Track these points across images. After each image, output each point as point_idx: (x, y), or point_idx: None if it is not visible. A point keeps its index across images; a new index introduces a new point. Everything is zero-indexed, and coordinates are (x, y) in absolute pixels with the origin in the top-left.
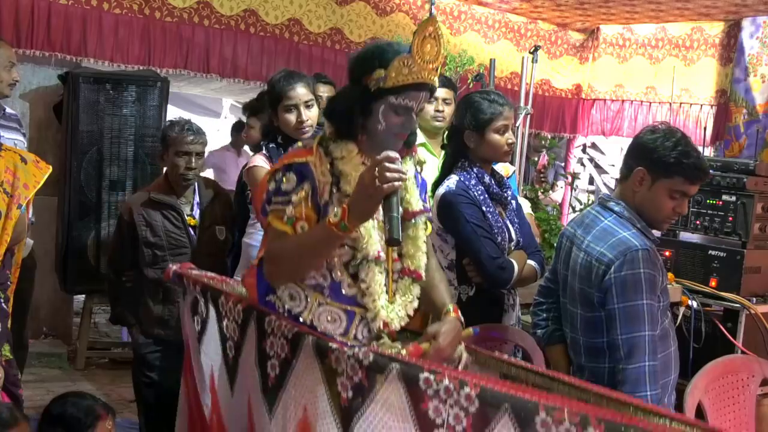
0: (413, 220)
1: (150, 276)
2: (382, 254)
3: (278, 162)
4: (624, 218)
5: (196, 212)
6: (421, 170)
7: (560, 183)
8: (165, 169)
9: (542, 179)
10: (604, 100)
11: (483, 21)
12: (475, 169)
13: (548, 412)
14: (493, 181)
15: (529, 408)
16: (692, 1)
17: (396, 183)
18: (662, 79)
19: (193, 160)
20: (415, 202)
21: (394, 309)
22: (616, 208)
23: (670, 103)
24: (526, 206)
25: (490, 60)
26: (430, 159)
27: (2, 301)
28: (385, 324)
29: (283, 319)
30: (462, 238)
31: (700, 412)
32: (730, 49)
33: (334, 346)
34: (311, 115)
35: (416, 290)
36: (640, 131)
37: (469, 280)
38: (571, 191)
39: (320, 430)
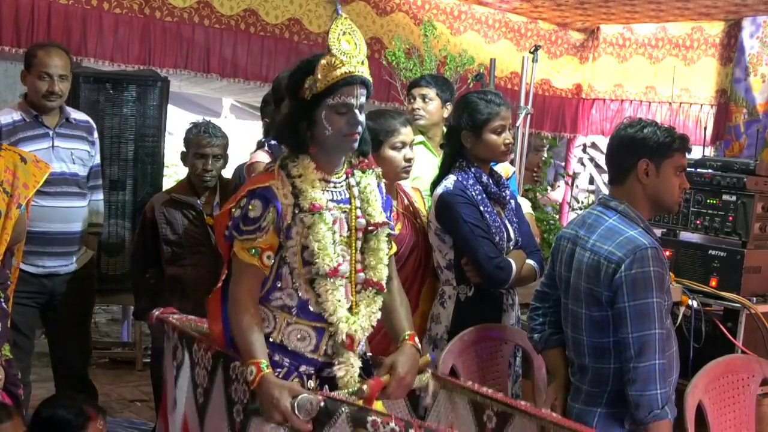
0: (375, 232)
1: (169, 273)
2: (343, 266)
3: (242, 188)
4: (628, 217)
5: (217, 212)
6: (382, 181)
7: (560, 183)
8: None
9: (536, 179)
10: (604, 99)
11: (483, 21)
12: (473, 169)
13: None
14: (491, 181)
15: None
16: (692, 0)
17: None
18: (662, 79)
19: (210, 162)
20: (377, 215)
21: (357, 321)
22: (620, 208)
23: (670, 103)
24: (527, 206)
25: (490, 60)
26: (429, 158)
27: (2, 300)
28: (349, 336)
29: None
30: (460, 238)
31: (700, 412)
32: (731, 49)
33: None
34: None
35: (380, 301)
36: (615, 134)
37: (468, 280)
38: (571, 191)
39: None
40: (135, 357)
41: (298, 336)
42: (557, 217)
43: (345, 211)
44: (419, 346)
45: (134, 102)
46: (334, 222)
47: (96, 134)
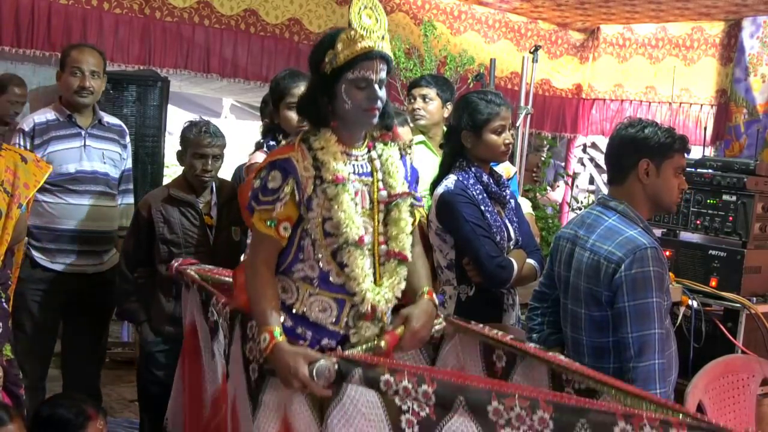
0: (396, 202)
1: (164, 273)
2: (366, 238)
3: (263, 161)
4: (628, 217)
5: (214, 212)
6: (407, 154)
7: (560, 183)
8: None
9: (535, 179)
10: (604, 99)
11: (483, 21)
12: (473, 169)
13: (499, 400)
14: (491, 181)
15: (483, 397)
16: (692, 0)
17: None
18: (662, 79)
19: (210, 163)
20: (398, 185)
21: (380, 291)
22: (619, 208)
23: (670, 103)
24: (527, 206)
25: (491, 60)
26: (430, 158)
27: (3, 300)
28: (373, 307)
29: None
30: (461, 238)
31: (700, 412)
32: (731, 49)
33: None
34: None
35: (403, 272)
36: (615, 134)
37: (469, 279)
38: (571, 191)
39: (299, 425)
40: (135, 357)
41: (320, 307)
42: (557, 216)
43: (367, 184)
44: (436, 302)
45: (134, 102)
46: (356, 194)
47: (128, 139)
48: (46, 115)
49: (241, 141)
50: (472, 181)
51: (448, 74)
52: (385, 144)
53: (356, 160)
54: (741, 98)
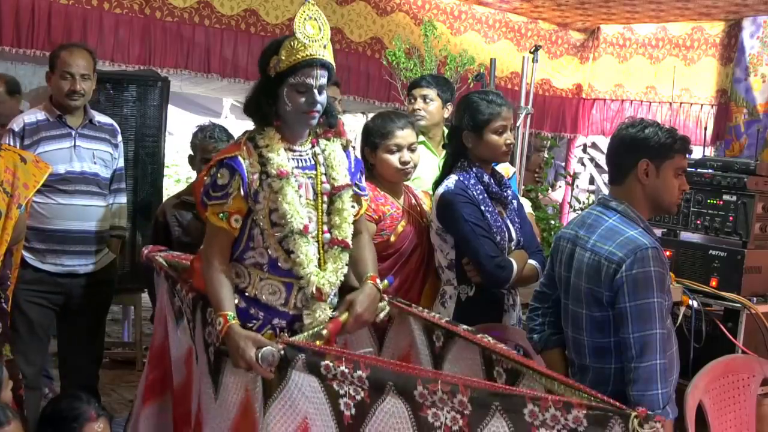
0: (339, 193)
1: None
2: (311, 226)
3: (212, 159)
4: (629, 217)
5: None
6: (350, 148)
7: (560, 183)
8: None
9: (537, 179)
10: (605, 99)
11: (483, 21)
12: (474, 169)
13: (424, 385)
14: (492, 181)
15: (410, 382)
16: (693, 0)
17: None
18: (662, 79)
19: None
20: (340, 178)
21: (325, 276)
22: (620, 208)
23: (671, 103)
24: (527, 206)
25: (491, 60)
26: (431, 158)
27: (2, 300)
28: (318, 290)
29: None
30: (461, 237)
31: (700, 412)
32: (731, 49)
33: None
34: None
35: (346, 258)
36: (616, 134)
37: (469, 280)
38: (572, 191)
39: (257, 406)
40: (135, 357)
41: (269, 290)
42: (558, 217)
43: (311, 177)
44: (380, 286)
45: (134, 102)
46: (299, 186)
47: (120, 138)
48: (36, 115)
49: None
50: (473, 182)
51: (448, 74)
52: (328, 140)
53: (300, 155)
54: (741, 98)
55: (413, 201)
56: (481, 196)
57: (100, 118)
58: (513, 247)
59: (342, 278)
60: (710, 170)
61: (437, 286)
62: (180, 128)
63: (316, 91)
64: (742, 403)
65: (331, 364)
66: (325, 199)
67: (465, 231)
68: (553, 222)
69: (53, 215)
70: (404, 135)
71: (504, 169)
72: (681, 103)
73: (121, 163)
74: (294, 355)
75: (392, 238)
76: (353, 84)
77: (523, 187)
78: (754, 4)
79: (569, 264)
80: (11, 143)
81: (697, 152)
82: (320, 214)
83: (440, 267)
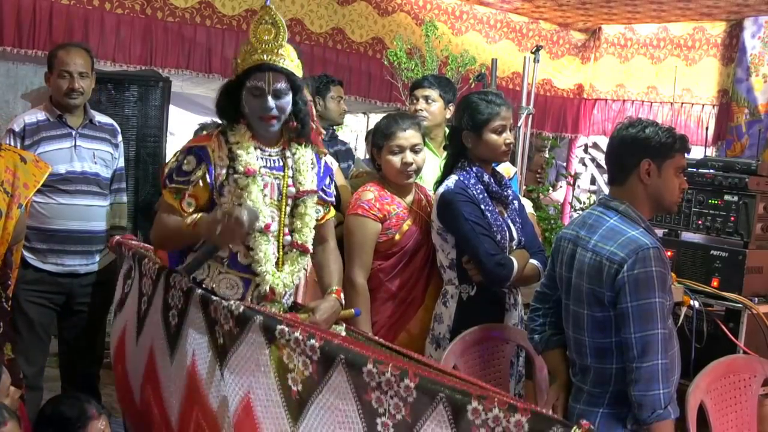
0: (303, 198)
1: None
2: (273, 226)
3: (183, 146)
4: (629, 217)
5: None
6: (322, 156)
7: (562, 183)
8: None
9: (539, 179)
10: (606, 99)
11: (485, 21)
12: (474, 169)
13: (375, 364)
14: (492, 181)
15: (361, 359)
16: (694, 1)
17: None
18: (664, 79)
19: None
20: (307, 183)
21: (280, 276)
22: (621, 208)
23: (672, 103)
24: (528, 207)
25: (492, 60)
26: (432, 159)
27: (3, 300)
28: (272, 288)
29: (185, 276)
30: (461, 236)
31: (701, 412)
32: (732, 49)
33: (214, 298)
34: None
35: (303, 262)
36: (616, 134)
37: (470, 279)
38: (573, 191)
39: (202, 368)
40: None
41: (227, 285)
42: (559, 217)
43: (278, 178)
44: (343, 301)
45: (136, 102)
46: (265, 186)
47: (120, 137)
48: (37, 115)
49: None
50: (473, 181)
51: (449, 74)
52: (300, 145)
53: (270, 155)
54: (742, 98)
55: (423, 201)
56: (481, 196)
57: (100, 118)
58: (514, 247)
59: (296, 281)
60: (711, 170)
61: (441, 286)
62: (181, 128)
63: (269, 96)
64: (744, 404)
65: (286, 329)
66: (290, 201)
67: (465, 230)
68: (555, 222)
69: (54, 215)
70: (406, 136)
71: (505, 169)
72: (682, 103)
73: (121, 163)
74: (252, 314)
75: (397, 237)
76: (354, 84)
77: (524, 187)
78: (755, 5)
79: (570, 264)
80: (11, 143)
81: (698, 152)
82: (283, 215)
83: (442, 267)
